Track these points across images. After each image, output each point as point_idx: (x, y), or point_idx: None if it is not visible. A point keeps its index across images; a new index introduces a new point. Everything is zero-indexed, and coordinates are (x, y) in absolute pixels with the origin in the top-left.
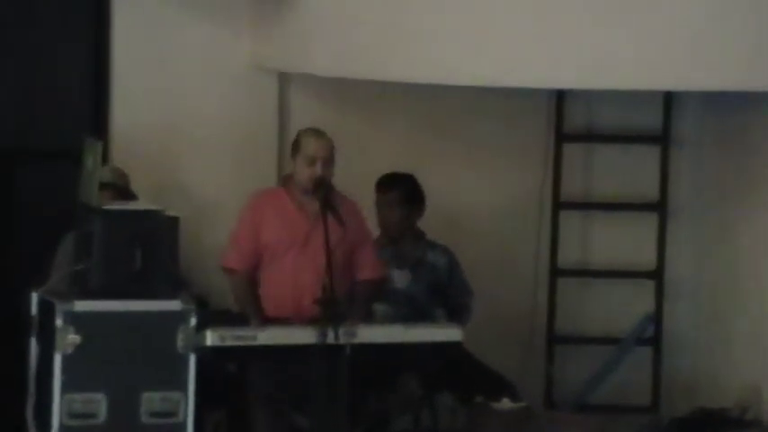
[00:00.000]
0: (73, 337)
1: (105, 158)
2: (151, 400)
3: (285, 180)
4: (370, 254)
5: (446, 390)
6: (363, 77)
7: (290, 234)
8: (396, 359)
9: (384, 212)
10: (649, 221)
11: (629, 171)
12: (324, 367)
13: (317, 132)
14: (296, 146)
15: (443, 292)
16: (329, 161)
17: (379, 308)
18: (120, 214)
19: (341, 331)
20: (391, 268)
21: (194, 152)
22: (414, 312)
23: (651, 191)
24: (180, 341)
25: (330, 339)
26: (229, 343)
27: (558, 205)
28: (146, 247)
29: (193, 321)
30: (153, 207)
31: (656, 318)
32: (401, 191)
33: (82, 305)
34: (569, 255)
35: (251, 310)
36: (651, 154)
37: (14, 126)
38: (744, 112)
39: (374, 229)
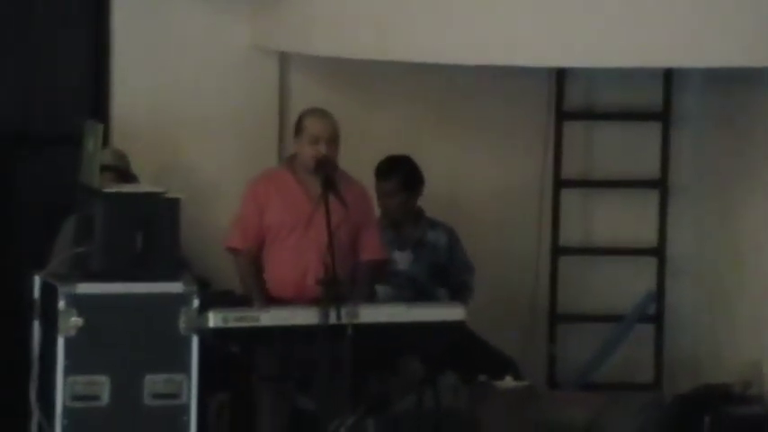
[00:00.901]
0: (75, 320)
1: (106, 141)
2: (154, 382)
3: (289, 161)
4: (374, 235)
5: (449, 369)
6: (363, 58)
7: (294, 215)
8: (398, 339)
9: (384, 199)
10: (650, 199)
11: (630, 149)
12: (326, 348)
13: (321, 112)
14: (299, 126)
15: (445, 272)
16: (333, 141)
17: (382, 290)
18: (122, 196)
19: (343, 311)
20: (392, 250)
21: (195, 134)
22: (416, 293)
23: (652, 168)
24: (182, 323)
25: (332, 320)
26: (232, 324)
27: (560, 183)
28: (147, 230)
29: (196, 303)
30: (154, 189)
31: (658, 295)
32: (399, 178)
33: (84, 288)
34: (571, 233)
35: (254, 291)
36: (652, 131)
37: (15, 110)
38: (745, 88)
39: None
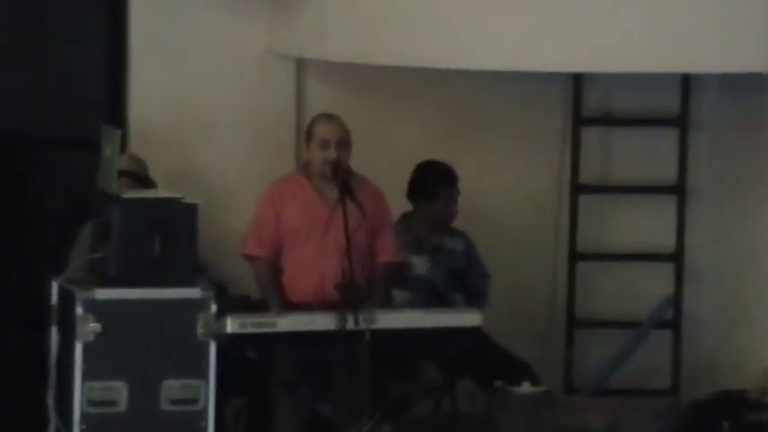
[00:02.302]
0: (93, 326)
1: (123, 147)
2: (172, 387)
3: (303, 167)
4: (390, 238)
5: (466, 374)
6: (380, 63)
7: (311, 221)
8: (415, 344)
9: (449, 205)
10: (668, 204)
11: (648, 154)
12: (344, 353)
13: (329, 116)
14: (309, 132)
15: (462, 277)
16: (343, 144)
17: (399, 295)
18: (139, 202)
19: (360, 317)
20: (410, 254)
21: (212, 139)
22: (433, 298)
23: (670, 174)
24: (200, 328)
25: (350, 325)
26: (250, 330)
27: (577, 189)
28: (164, 235)
29: (213, 308)
30: (171, 195)
31: (676, 301)
32: (458, 182)
33: (102, 293)
34: (588, 238)
35: (271, 297)
36: (669, 137)
37: (33, 115)
38: (762, 93)
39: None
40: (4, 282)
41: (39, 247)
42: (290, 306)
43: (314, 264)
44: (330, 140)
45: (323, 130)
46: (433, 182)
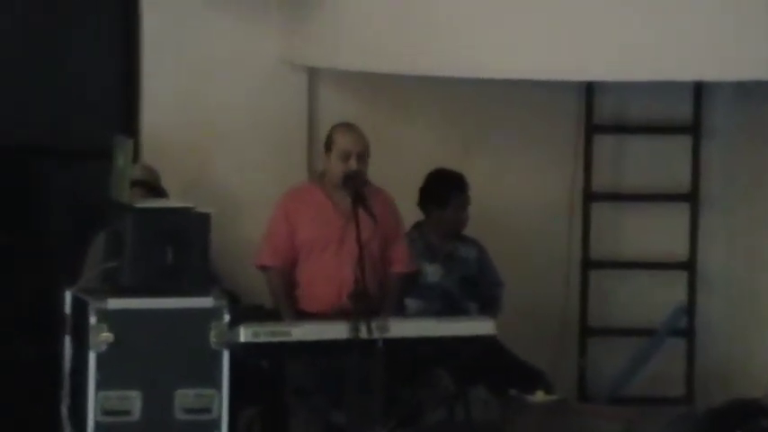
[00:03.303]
0: (106, 335)
1: (136, 156)
2: (185, 396)
3: (319, 177)
4: (403, 247)
5: (479, 383)
6: (392, 72)
7: (326, 232)
8: (429, 353)
9: (459, 212)
10: (681, 212)
11: (660, 162)
12: (357, 362)
13: (351, 127)
14: (329, 142)
15: (475, 285)
16: (363, 156)
17: (412, 303)
18: (152, 212)
19: (373, 326)
20: (423, 262)
21: (224, 149)
22: (446, 307)
23: (682, 181)
24: (213, 337)
25: (363, 334)
26: (263, 339)
27: (590, 197)
28: (177, 244)
29: (226, 317)
30: (184, 204)
31: (689, 309)
32: (469, 190)
33: (115, 303)
34: (601, 246)
35: (285, 308)
36: (682, 144)
37: (46, 126)
38: None
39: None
40: (18, 291)
41: (52, 256)
42: (304, 316)
43: (332, 274)
44: (351, 152)
45: (344, 141)
46: (443, 189)
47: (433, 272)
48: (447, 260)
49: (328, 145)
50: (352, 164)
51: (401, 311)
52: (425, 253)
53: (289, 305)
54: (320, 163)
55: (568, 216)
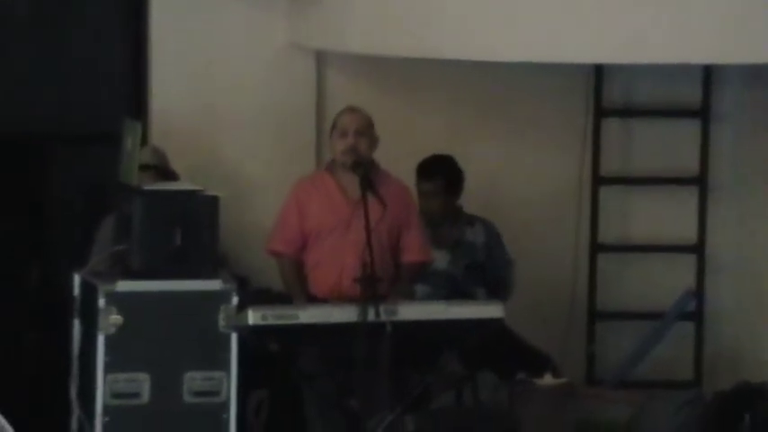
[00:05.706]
0: (115, 318)
1: (144, 140)
2: (194, 379)
3: (329, 164)
4: (417, 236)
5: (488, 367)
6: (400, 55)
7: (333, 217)
8: (437, 336)
9: (425, 199)
10: (690, 196)
11: (669, 146)
12: (365, 345)
13: (352, 108)
14: (333, 126)
15: (482, 270)
16: (362, 133)
17: (419, 288)
18: (160, 194)
19: (382, 309)
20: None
21: (233, 132)
22: (453, 293)
23: (691, 165)
24: (221, 320)
25: (371, 317)
26: (271, 322)
27: (598, 180)
28: (186, 227)
29: (235, 300)
30: (192, 187)
31: (698, 292)
32: (442, 180)
33: (124, 285)
34: (610, 230)
35: (296, 292)
36: (691, 128)
37: (54, 110)
38: None
39: None
40: (27, 275)
41: (61, 240)
42: (315, 301)
43: (332, 260)
44: (348, 129)
45: (343, 121)
46: (417, 177)
47: (439, 258)
48: (454, 246)
49: (332, 129)
50: (350, 140)
51: (411, 297)
52: (433, 239)
53: (300, 291)
54: (328, 147)
55: (577, 200)
